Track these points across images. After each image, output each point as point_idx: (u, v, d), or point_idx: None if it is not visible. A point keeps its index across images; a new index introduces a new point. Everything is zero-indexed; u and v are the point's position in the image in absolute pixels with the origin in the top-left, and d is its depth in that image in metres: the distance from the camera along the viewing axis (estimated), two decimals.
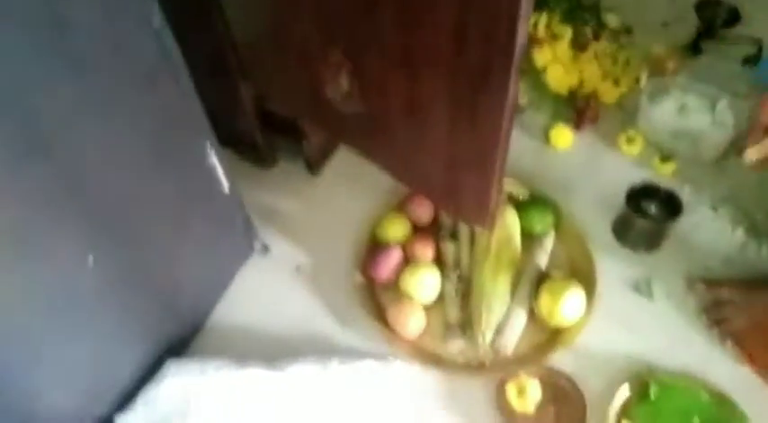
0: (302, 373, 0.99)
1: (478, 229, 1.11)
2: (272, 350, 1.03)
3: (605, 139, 1.35)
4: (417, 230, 1.17)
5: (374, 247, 1.15)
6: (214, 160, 0.96)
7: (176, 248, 0.98)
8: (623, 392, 1.00)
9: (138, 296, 0.92)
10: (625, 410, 0.98)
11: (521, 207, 1.16)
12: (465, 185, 0.85)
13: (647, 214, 1.13)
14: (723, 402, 0.98)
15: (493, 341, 1.04)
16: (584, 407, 0.99)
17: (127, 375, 0.96)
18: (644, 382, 1.00)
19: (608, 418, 0.97)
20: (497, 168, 0.78)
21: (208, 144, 0.93)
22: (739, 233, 1.18)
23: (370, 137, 0.97)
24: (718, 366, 1.03)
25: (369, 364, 1.02)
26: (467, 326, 1.07)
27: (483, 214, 0.85)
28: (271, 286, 1.16)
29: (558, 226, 1.18)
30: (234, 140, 1.23)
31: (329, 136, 1.25)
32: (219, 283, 1.15)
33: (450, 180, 0.87)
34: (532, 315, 1.08)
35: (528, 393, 0.98)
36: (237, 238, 1.15)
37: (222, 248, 1.12)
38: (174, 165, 0.90)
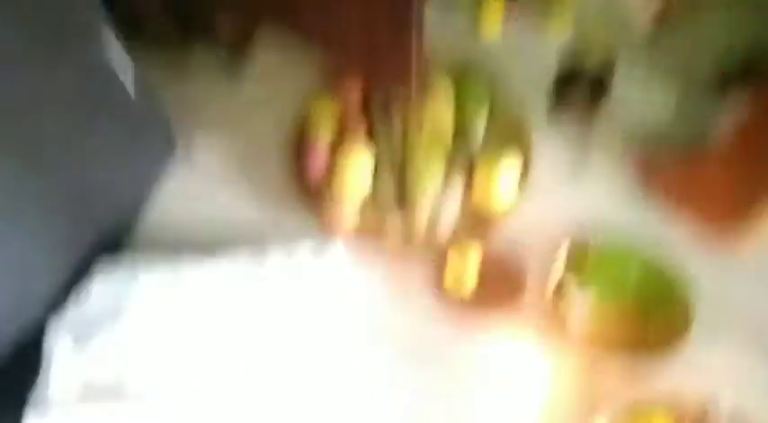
0: (236, 264, 0.97)
1: (410, 107, 1.09)
2: (205, 250, 1.00)
3: (534, 23, 1.32)
4: (347, 116, 1.14)
5: (303, 140, 1.11)
6: (114, 53, 0.90)
7: (84, 150, 0.92)
8: (563, 255, 1.01)
9: (49, 197, 0.87)
10: (564, 278, 1.00)
11: (453, 86, 1.14)
12: (383, 44, 0.82)
13: (576, 96, 1.13)
14: (659, 260, 1.01)
15: (429, 220, 1.04)
16: (523, 277, 1.01)
17: (59, 279, 0.93)
18: (582, 248, 1.02)
19: (547, 286, 0.99)
20: (414, 20, 0.75)
21: (104, 33, 0.87)
22: (673, 100, 1.19)
23: (284, 9, 0.93)
24: (654, 228, 1.05)
25: (306, 246, 1.01)
26: (402, 207, 1.06)
27: (406, 74, 0.82)
28: (199, 188, 1.13)
29: (491, 104, 1.16)
30: (139, 28, 1.15)
31: (243, 18, 1.18)
32: (144, 186, 1.10)
33: (369, 40, 0.84)
34: (468, 191, 1.07)
35: (466, 269, 0.99)
36: (156, 140, 1.10)
37: (140, 149, 1.07)
38: (71, 59, 0.83)
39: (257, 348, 0.89)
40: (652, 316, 0.97)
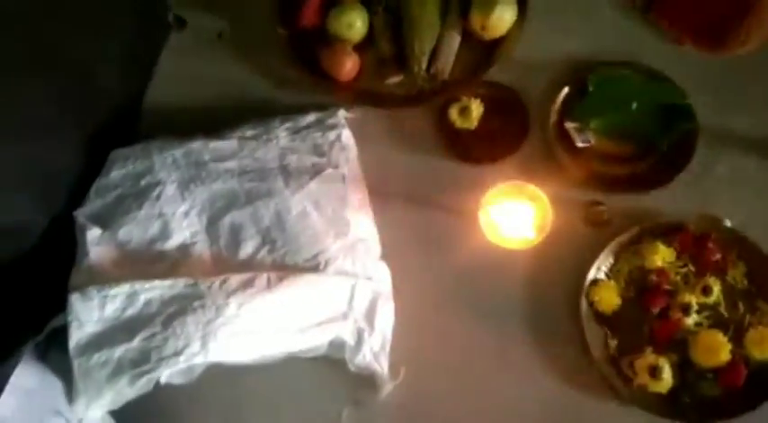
0: (245, 135, 0.99)
1: None
2: (212, 123, 1.01)
3: None
4: None
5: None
6: None
7: (69, 29, 0.90)
8: (563, 92, 1.00)
9: (49, 81, 0.87)
10: (566, 108, 0.99)
11: None
12: None
13: None
14: (660, 82, 0.99)
15: (429, 67, 1.02)
16: (526, 114, 1.01)
17: (76, 173, 0.96)
18: (582, 79, 1.00)
19: (550, 119, 0.99)
20: None
21: None
22: None
23: None
24: (654, 51, 1.02)
25: (311, 116, 1.01)
26: (401, 58, 1.04)
27: None
28: (197, 60, 1.11)
29: None
30: None
31: None
32: (142, 64, 1.09)
33: None
34: (466, 35, 1.04)
35: (470, 111, 0.99)
36: (146, 14, 1.06)
37: (130, 25, 1.04)
38: None
39: (274, 205, 0.92)
40: (654, 148, 0.97)
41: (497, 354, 0.93)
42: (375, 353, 0.90)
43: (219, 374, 0.86)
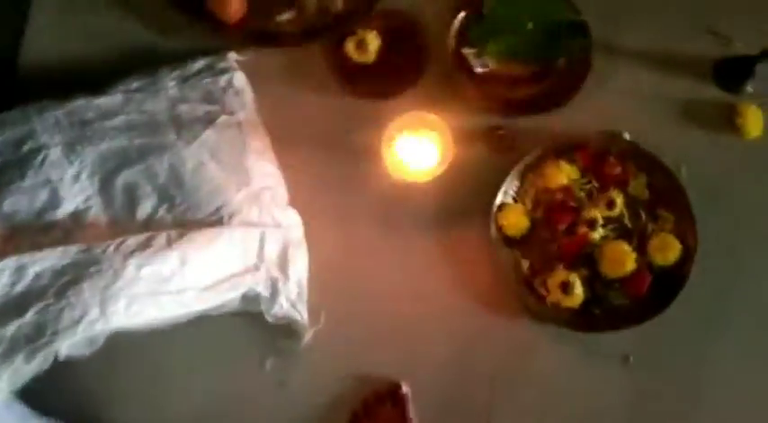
0: (131, 90, 0.92)
1: None
2: (95, 78, 0.94)
3: None
4: None
5: None
6: None
7: None
8: (459, 17, 0.98)
9: None
10: (463, 34, 0.97)
11: None
12: None
13: None
14: (554, 0, 0.98)
15: (318, 2, 0.97)
16: (425, 42, 0.98)
17: None
18: (477, 1, 0.98)
19: (448, 46, 0.97)
20: None
21: None
22: None
23: None
24: None
25: (200, 62, 0.96)
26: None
27: None
28: (72, 10, 1.01)
29: None
30: None
31: None
32: (8, 19, 1.01)
33: None
34: None
35: (367, 44, 0.96)
36: None
37: None
38: None
39: (167, 160, 0.88)
40: (552, 67, 0.97)
41: (413, 287, 0.93)
42: (292, 301, 0.89)
43: (130, 343, 0.82)
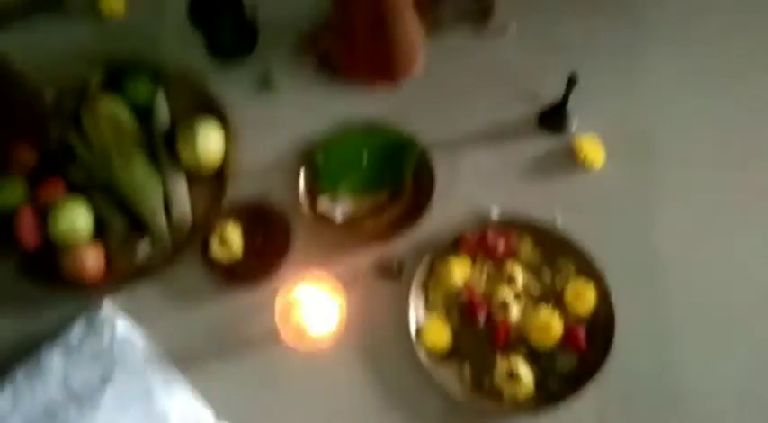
0: (18, 383, 0.89)
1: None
2: None
3: None
4: (35, 178, 1.02)
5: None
6: None
7: None
8: (301, 176, 1.02)
9: None
10: (312, 189, 1.01)
11: (116, 86, 1.06)
12: None
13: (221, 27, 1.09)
14: (375, 128, 1.04)
15: (169, 223, 0.99)
16: (284, 214, 1.00)
17: None
18: (310, 157, 1.02)
19: (302, 212, 1.00)
20: None
21: None
22: None
23: None
24: (353, 103, 1.07)
25: (79, 326, 0.93)
26: (140, 225, 1.00)
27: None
28: None
29: (161, 81, 1.09)
30: None
31: None
32: None
33: None
34: (189, 173, 1.03)
35: (229, 239, 0.97)
36: None
37: None
38: None
39: None
40: (402, 183, 1.01)
41: None
42: None
43: None
